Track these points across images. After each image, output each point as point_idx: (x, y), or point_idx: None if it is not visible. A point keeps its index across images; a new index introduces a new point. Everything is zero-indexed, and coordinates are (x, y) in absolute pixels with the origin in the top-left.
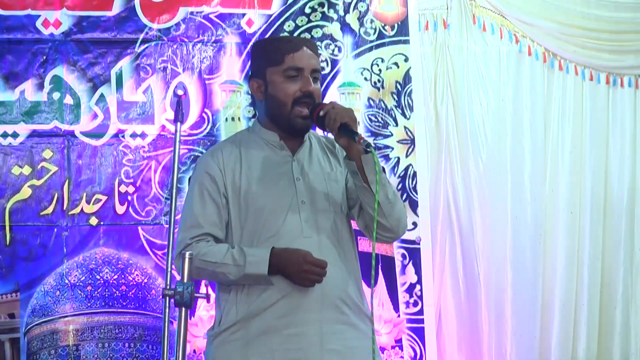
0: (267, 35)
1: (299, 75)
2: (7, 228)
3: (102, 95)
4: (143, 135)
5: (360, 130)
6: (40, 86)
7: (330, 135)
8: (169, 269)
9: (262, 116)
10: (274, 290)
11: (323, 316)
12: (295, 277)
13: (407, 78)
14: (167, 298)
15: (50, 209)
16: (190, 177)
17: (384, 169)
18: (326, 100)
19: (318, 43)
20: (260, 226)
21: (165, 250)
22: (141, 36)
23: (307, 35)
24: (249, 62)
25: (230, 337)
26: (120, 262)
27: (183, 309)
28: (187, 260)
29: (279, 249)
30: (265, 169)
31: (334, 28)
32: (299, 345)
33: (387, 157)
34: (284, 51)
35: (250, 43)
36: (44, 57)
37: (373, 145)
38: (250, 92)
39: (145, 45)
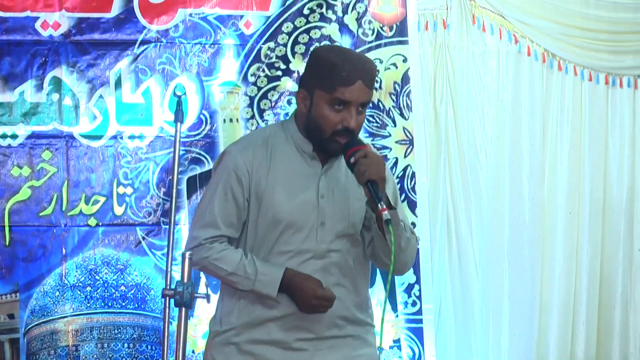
0: (265, 37)
1: (344, 107)
2: (7, 229)
3: (100, 97)
4: (141, 137)
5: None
6: (40, 87)
7: None
8: (169, 269)
9: (300, 124)
10: (278, 306)
11: (324, 334)
12: (301, 305)
13: (405, 79)
14: (167, 298)
15: (49, 210)
16: (213, 168)
17: (392, 169)
18: None
19: (316, 44)
20: (275, 239)
21: (165, 250)
22: (140, 38)
23: (305, 37)
24: (248, 63)
25: (230, 339)
26: (119, 263)
27: (183, 309)
28: (187, 260)
29: (291, 272)
30: (291, 181)
31: (332, 29)
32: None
33: (385, 158)
34: (337, 82)
35: (248, 44)
36: (43, 59)
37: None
38: (295, 100)
39: (144, 47)
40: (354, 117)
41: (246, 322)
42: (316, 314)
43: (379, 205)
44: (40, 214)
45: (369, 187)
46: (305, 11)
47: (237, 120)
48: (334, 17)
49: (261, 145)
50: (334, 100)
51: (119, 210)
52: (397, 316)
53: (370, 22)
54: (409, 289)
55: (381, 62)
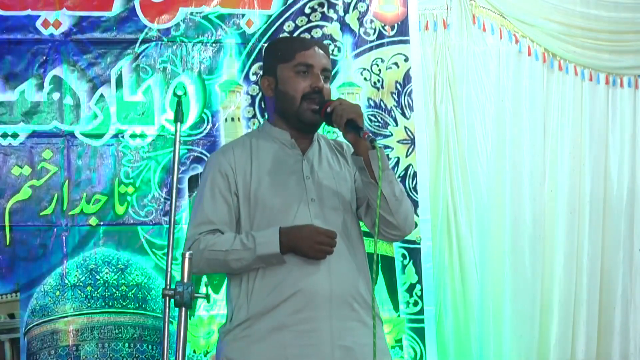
0: (267, 36)
1: (309, 71)
2: (7, 228)
3: (101, 96)
4: (143, 136)
5: None
6: (40, 86)
7: (339, 136)
8: (169, 269)
9: (272, 114)
10: (286, 287)
11: (334, 313)
12: (308, 250)
13: (407, 78)
14: (167, 298)
15: (50, 209)
16: (200, 174)
17: (394, 168)
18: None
19: None
20: (272, 225)
21: (165, 250)
22: (141, 36)
23: (306, 36)
24: (249, 62)
25: (242, 333)
26: (120, 262)
27: (183, 309)
28: (187, 260)
29: (287, 227)
30: (275, 168)
31: (333, 28)
32: (311, 341)
33: (387, 158)
34: (295, 49)
35: (250, 43)
36: (44, 58)
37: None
38: (260, 89)
39: (145, 46)
40: (320, 79)
41: (258, 312)
42: (324, 258)
43: (360, 133)
44: (41, 214)
45: (349, 126)
46: (307, 10)
47: (238, 119)
48: (335, 16)
49: (241, 145)
50: (297, 66)
51: (120, 209)
52: (398, 316)
53: (371, 21)
54: (410, 289)
55: (383, 61)
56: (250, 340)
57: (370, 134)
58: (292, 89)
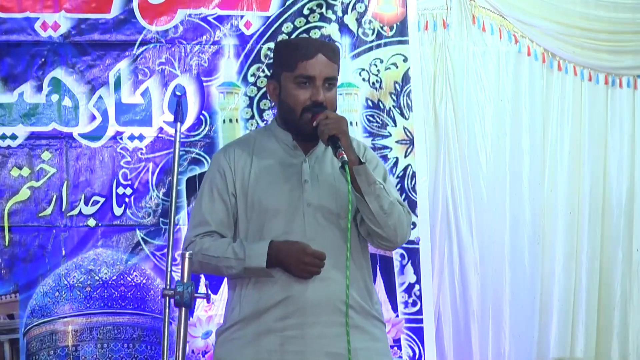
0: (265, 37)
1: (310, 83)
2: (6, 229)
3: (100, 97)
4: (141, 138)
5: (359, 130)
6: (39, 88)
7: None
8: (169, 269)
9: (278, 117)
10: (276, 292)
11: (325, 319)
12: (294, 268)
13: (405, 78)
14: (167, 298)
15: (49, 210)
16: (198, 175)
17: (392, 169)
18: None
19: None
20: (265, 227)
21: (164, 250)
22: (139, 38)
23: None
24: (247, 64)
25: (232, 335)
26: (118, 263)
27: (183, 309)
28: (187, 260)
29: (278, 241)
30: (274, 169)
31: (332, 29)
32: (298, 347)
33: (385, 158)
34: (297, 58)
35: (248, 45)
36: (43, 60)
37: (367, 156)
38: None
39: (144, 48)
40: (321, 91)
41: (248, 314)
42: (310, 277)
43: (336, 152)
44: (40, 215)
45: (330, 143)
46: (305, 11)
47: (236, 120)
48: (333, 17)
49: (244, 144)
50: (298, 78)
51: (118, 210)
52: (397, 316)
53: (370, 21)
54: (409, 289)
55: (381, 61)
56: (239, 343)
57: (344, 156)
58: (293, 101)
